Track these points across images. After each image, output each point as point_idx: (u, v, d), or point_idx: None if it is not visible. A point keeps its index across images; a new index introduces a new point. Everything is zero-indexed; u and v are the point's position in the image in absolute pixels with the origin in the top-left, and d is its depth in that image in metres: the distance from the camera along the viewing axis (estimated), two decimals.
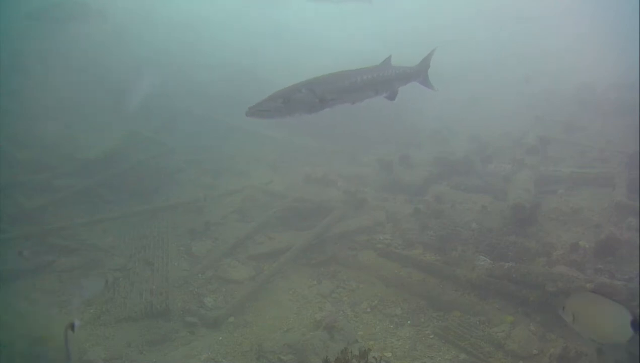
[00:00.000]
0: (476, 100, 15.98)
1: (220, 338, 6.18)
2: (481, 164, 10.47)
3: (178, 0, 22.75)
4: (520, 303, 6.34)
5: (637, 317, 3.32)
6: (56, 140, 11.51)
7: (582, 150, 11.27)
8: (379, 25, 24.01)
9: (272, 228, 8.57)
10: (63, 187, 9.72)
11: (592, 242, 7.18)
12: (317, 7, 22.60)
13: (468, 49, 20.28)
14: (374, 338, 6.13)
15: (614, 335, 3.44)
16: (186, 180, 10.81)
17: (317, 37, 22.33)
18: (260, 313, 6.61)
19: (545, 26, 23.38)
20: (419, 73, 6.05)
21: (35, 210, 8.94)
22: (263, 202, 9.51)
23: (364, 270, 7.39)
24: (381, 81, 5.32)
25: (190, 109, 14.10)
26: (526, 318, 6.18)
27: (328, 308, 6.65)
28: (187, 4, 22.66)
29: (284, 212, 8.87)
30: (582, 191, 9.20)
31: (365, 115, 14.12)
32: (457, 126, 14.09)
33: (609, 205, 8.31)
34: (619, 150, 10.56)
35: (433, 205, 8.78)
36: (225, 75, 15.99)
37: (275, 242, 8.10)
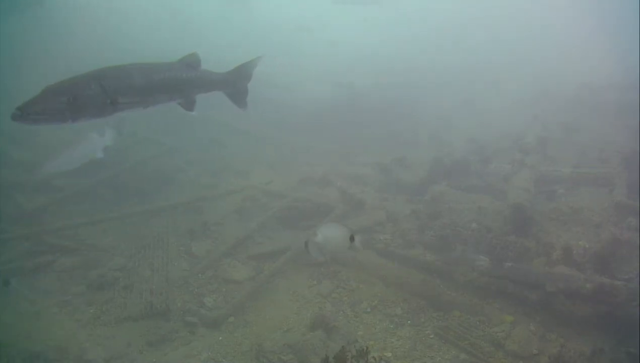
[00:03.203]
0: (475, 101, 15.97)
1: (220, 338, 6.18)
2: (481, 164, 10.47)
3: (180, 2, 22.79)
4: (520, 303, 6.35)
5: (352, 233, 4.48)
6: (56, 140, 11.49)
7: (582, 150, 11.28)
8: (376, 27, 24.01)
9: (272, 228, 8.57)
10: (63, 187, 9.72)
11: (592, 242, 7.18)
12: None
13: (467, 49, 20.29)
14: (374, 338, 6.13)
15: (341, 247, 4.58)
16: (186, 180, 10.79)
17: (317, 39, 22.35)
18: (260, 313, 6.61)
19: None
20: (227, 82, 4.86)
21: (35, 210, 8.94)
22: (263, 202, 9.51)
23: (364, 270, 7.39)
24: (174, 84, 4.36)
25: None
26: (526, 318, 6.19)
27: (328, 308, 6.64)
28: (189, 6, 22.69)
29: (284, 212, 8.87)
30: (582, 191, 9.21)
31: (366, 115, 14.18)
32: (456, 126, 14.08)
33: (609, 205, 8.31)
34: (619, 150, 10.56)
35: (433, 205, 8.78)
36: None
37: (275, 242, 8.09)
